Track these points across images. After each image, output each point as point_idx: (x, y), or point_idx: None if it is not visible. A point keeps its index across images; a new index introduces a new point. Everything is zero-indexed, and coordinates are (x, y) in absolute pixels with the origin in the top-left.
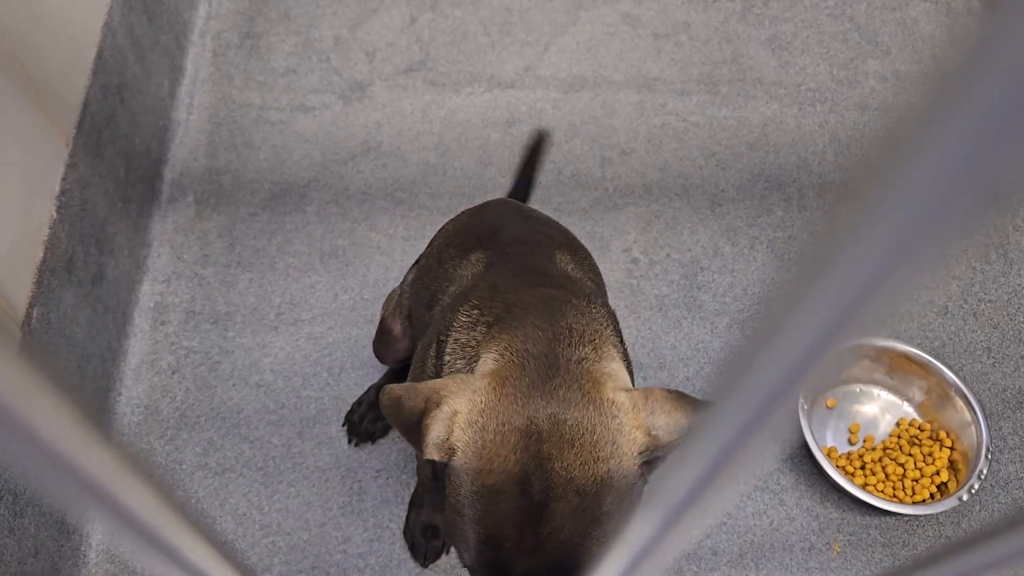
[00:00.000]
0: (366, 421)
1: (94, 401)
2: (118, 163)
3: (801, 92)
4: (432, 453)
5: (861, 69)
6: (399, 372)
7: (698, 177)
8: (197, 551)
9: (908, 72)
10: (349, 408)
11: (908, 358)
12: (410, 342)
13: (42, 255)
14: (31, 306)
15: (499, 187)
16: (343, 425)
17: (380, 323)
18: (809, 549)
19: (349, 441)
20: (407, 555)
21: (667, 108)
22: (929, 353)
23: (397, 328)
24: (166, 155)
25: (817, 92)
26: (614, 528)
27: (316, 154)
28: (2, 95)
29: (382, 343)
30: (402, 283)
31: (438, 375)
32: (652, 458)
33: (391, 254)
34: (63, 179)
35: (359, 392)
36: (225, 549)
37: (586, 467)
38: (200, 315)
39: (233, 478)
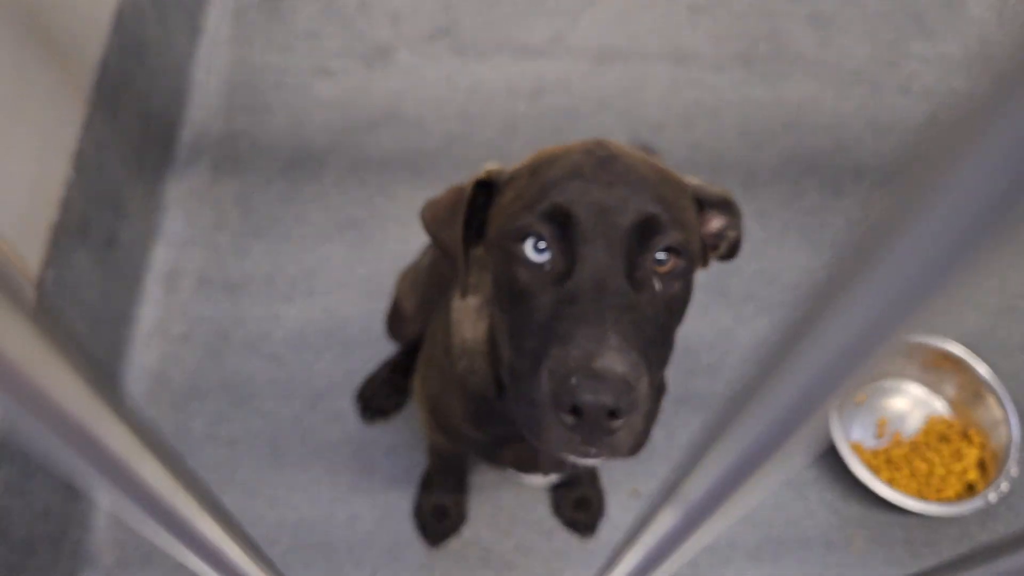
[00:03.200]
0: (379, 397)
1: (104, 366)
2: (134, 124)
3: (841, 72)
4: (482, 175)
5: (905, 50)
6: (411, 352)
7: (731, 157)
8: (204, 523)
9: (954, 55)
10: (362, 383)
11: (941, 354)
12: (423, 324)
13: (57, 216)
14: (45, 267)
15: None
16: (356, 400)
17: (394, 301)
18: (828, 545)
19: (361, 417)
20: (416, 535)
21: (701, 84)
22: (962, 349)
23: (411, 308)
24: (183, 117)
25: (857, 73)
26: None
27: (336, 120)
28: (20, 52)
29: (395, 321)
30: (417, 263)
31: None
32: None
33: (410, 226)
34: (79, 139)
35: (372, 367)
36: (231, 521)
37: (648, 165)
38: (213, 283)
39: (242, 450)
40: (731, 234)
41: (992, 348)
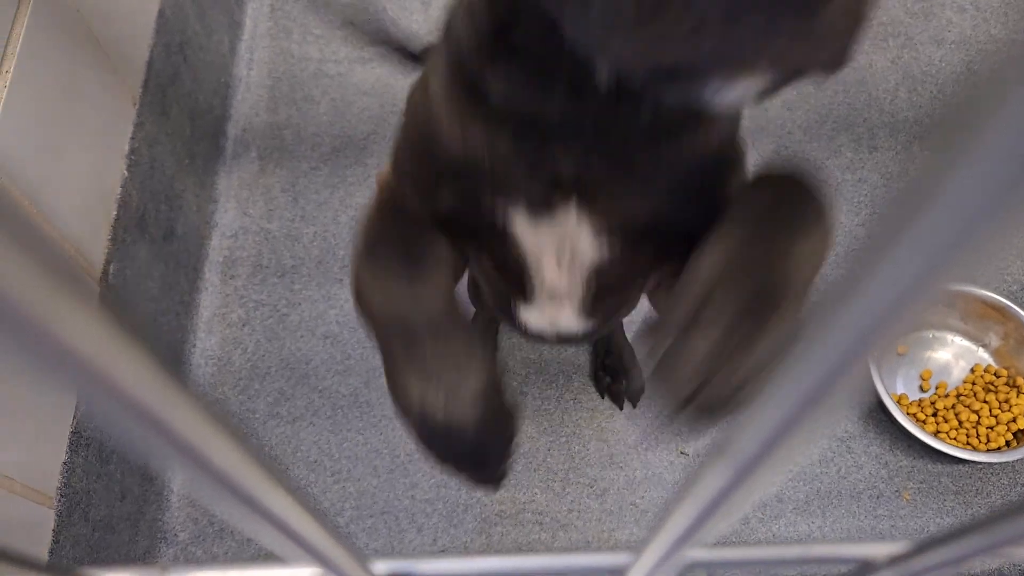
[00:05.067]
0: None
1: (171, 353)
2: (183, 121)
3: (873, 26)
4: None
5: (938, 0)
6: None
7: (763, 118)
8: (273, 497)
9: (990, 2)
10: None
11: (984, 303)
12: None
13: (115, 213)
14: (108, 262)
15: None
16: None
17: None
18: (878, 497)
19: None
20: (473, 500)
21: None
22: (1007, 297)
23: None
24: (229, 111)
25: (890, 26)
26: None
27: (375, 106)
28: (72, 57)
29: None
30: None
31: None
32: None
33: None
34: (132, 138)
35: None
36: (299, 495)
37: None
38: (267, 268)
39: (304, 426)
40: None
41: None
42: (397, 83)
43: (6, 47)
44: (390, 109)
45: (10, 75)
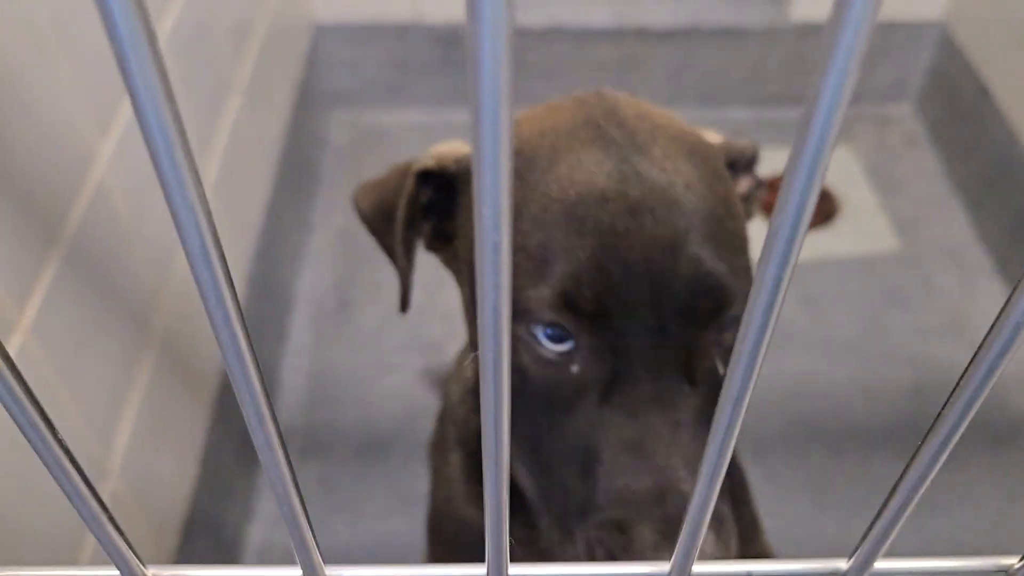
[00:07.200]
0: None
1: None
2: (240, 424)
3: (833, 345)
4: (428, 163)
5: (886, 323)
6: None
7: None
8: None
9: (931, 325)
10: None
11: None
12: None
13: (184, 514)
14: (175, 557)
15: None
16: None
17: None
18: None
19: None
20: None
21: None
22: None
23: None
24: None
25: (847, 345)
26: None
27: (399, 409)
28: (167, 382)
29: None
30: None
31: None
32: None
33: None
34: (205, 444)
35: None
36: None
37: (662, 118)
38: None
39: None
40: (758, 194)
41: None
42: (417, 387)
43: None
44: (412, 411)
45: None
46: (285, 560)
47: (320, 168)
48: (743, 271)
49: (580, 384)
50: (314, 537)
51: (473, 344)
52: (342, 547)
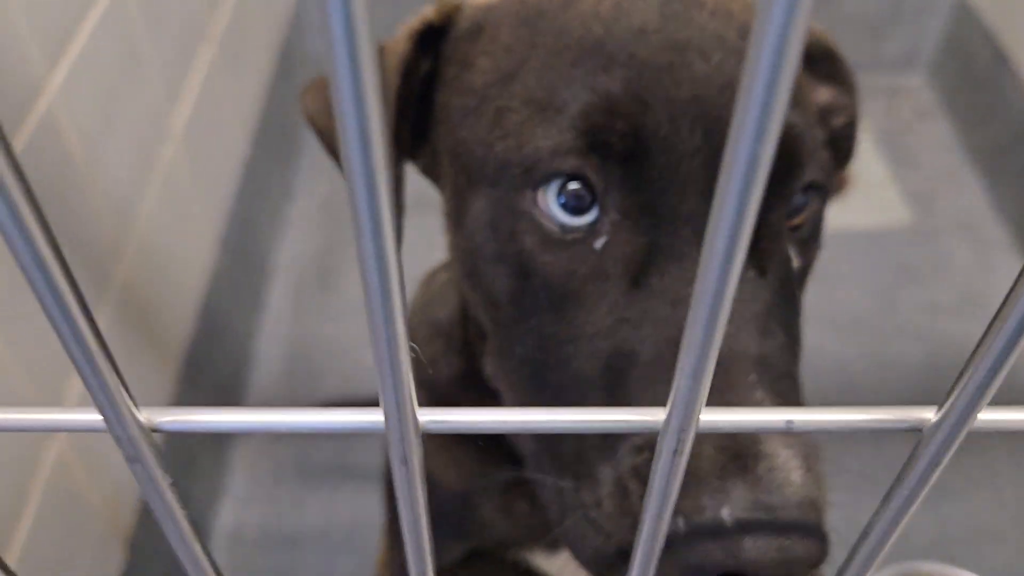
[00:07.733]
0: None
1: None
2: (210, 394)
3: (844, 321)
4: (431, 17)
5: (897, 298)
6: None
7: None
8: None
9: (943, 301)
10: None
11: None
12: None
13: None
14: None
15: None
16: None
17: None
18: None
19: None
20: None
21: None
22: None
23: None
24: (249, 384)
25: (858, 320)
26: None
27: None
28: (125, 338)
29: None
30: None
31: None
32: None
33: None
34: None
35: None
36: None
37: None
38: (273, 535)
39: None
40: (839, 120)
41: None
42: None
43: None
44: None
45: None
46: (258, 543)
47: (304, 135)
48: (816, 137)
49: (605, 267)
50: None
51: (481, 295)
52: (320, 525)
